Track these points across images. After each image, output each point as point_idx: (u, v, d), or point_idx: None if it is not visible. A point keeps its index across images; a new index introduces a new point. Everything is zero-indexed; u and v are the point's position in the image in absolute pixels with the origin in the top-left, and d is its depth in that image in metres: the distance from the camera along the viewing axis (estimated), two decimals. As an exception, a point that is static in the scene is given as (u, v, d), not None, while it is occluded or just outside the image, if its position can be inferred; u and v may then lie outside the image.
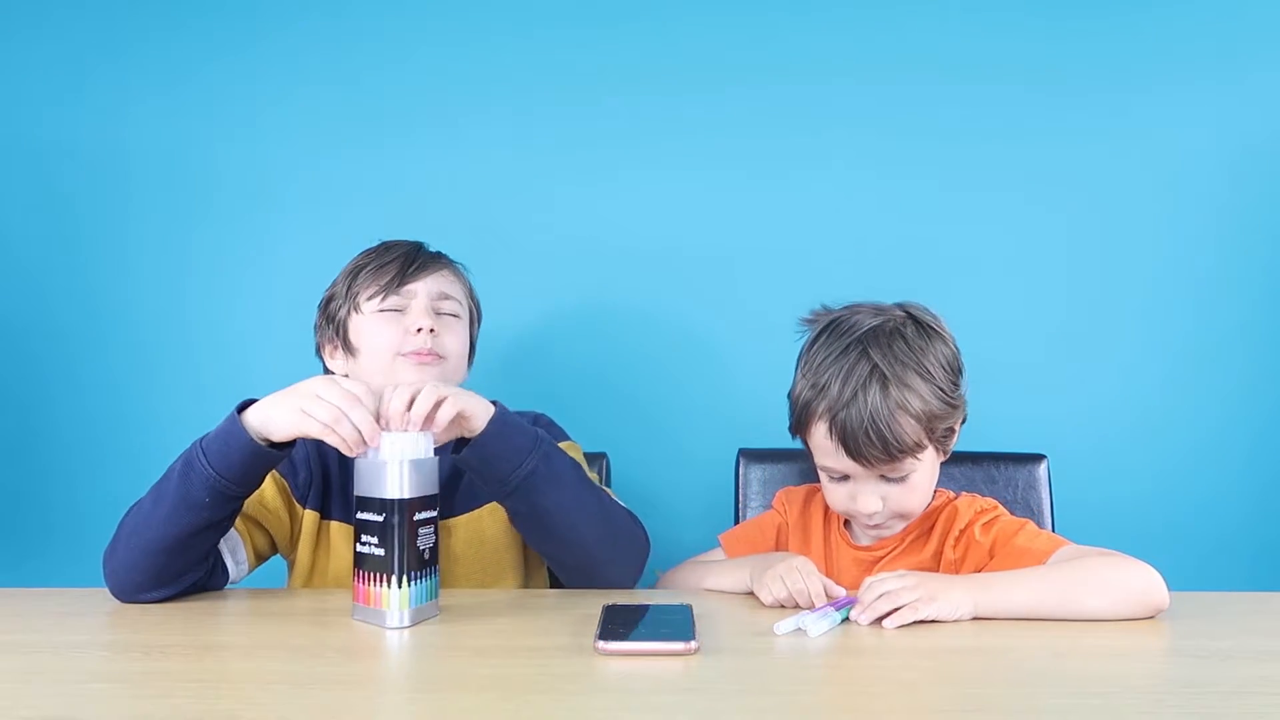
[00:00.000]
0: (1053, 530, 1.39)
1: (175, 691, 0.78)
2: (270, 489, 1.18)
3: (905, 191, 1.70)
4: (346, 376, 1.21)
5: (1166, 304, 1.68)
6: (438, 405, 1.02)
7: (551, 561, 1.18)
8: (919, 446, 1.13)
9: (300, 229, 1.72)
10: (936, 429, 1.14)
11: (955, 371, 1.18)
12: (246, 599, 1.12)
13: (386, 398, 1.01)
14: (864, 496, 1.16)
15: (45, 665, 0.85)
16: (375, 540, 0.98)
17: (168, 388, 1.72)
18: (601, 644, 0.87)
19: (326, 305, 1.29)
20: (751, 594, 1.10)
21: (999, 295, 1.68)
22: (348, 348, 1.26)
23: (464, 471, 1.15)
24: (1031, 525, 1.17)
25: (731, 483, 1.49)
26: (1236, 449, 1.68)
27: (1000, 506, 1.22)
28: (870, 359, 1.12)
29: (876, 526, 1.21)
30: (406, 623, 0.97)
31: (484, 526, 1.23)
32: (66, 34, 1.73)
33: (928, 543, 1.21)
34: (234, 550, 1.15)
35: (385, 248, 1.28)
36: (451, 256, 1.33)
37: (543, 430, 1.12)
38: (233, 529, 1.13)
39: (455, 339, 1.25)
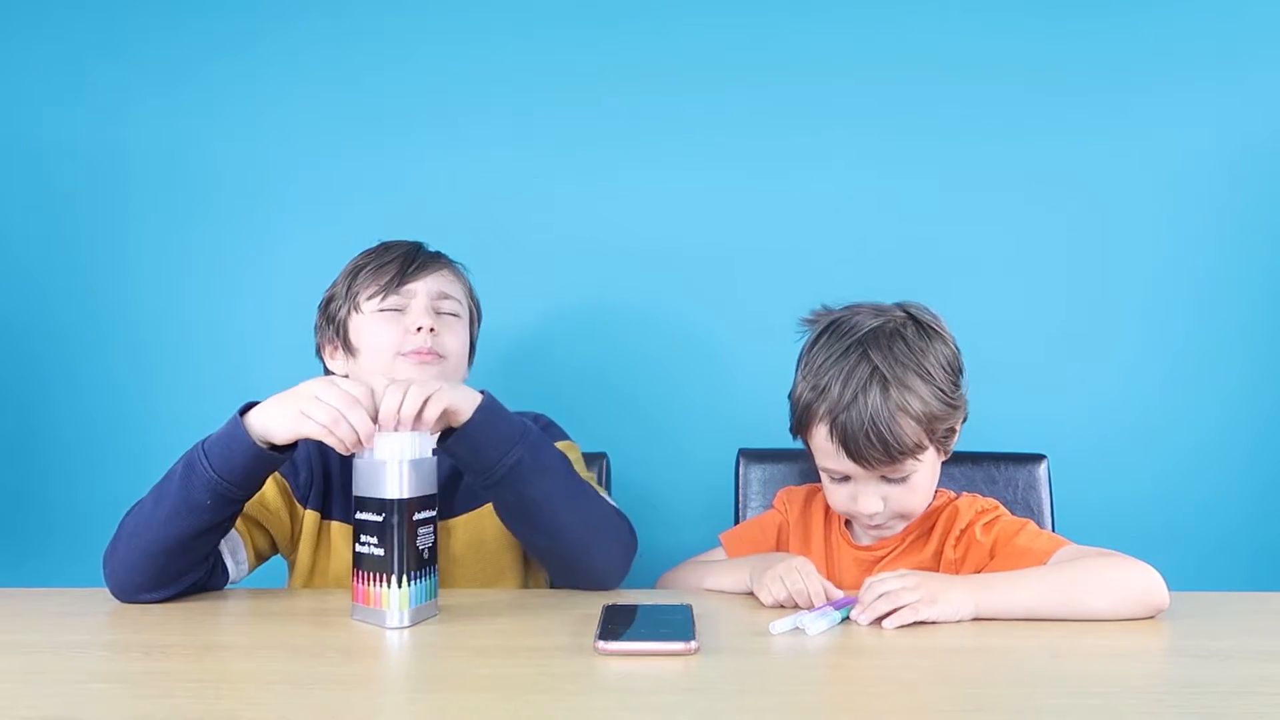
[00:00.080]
0: (1053, 530, 1.39)
1: (175, 691, 0.78)
2: (271, 489, 1.18)
3: (905, 191, 1.70)
4: (346, 377, 1.21)
5: (1166, 304, 1.68)
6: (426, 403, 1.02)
7: (535, 553, 1.18)
8: (920, 447, 1.13)
9: (300, 229, 1.72)
10: (937, 430, 1.14)
11: (956, 372, 1.18)
12: (246, 599, 1.12)
13: (379, 398, 1.01)
14: (865, 497, 1.16)
15: (45, 665, 0.85)
16: (375, 540, 0.98)
17: (168, 388, 1.72)
18: (601, 644, 0.87)
19: (326, 306, 1.30)
20: (751, 594, 1.10)
21: (999, 295, 1.68)
22: (348, 348, 1.26)
23: (463, 471, 1.15)
24: (1032, 525, 1.17)
25: (731, 483, 1.49)
26: (1236, 449, 1.68)
27: (1001, 507, 1.22)
28: (871, 360, 1.12)
29: (877, 527, 1.21)
30: (406, 623, 0.97)
31: (484, 527, 1.23)
32: (66, 34, 1.73)
33: (928, 543, 1.21)
34: (234, 550, 1.15)
35: (385, 248, 1.28)
36: (451, 256, 1.33)
37: (532, 423, 1.12)
38: (233, 529, 1.13)
39: (455, 338, 1.25)
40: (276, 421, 1.01)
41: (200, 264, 1.72)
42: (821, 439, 1.15)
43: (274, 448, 1.03)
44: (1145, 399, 1.68)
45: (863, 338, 1.14)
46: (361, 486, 1.00)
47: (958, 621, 0.97)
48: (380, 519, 0.97)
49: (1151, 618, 1.00)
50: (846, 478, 1.17)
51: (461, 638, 0.94)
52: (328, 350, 1.30)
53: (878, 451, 1.11)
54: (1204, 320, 1.68)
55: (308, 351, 1.33)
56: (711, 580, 1.19)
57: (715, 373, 1.70)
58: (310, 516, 1.23)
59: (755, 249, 1.70)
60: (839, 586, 1.10)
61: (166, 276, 1.73)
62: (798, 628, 0.94)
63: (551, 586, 1.22)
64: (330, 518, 1.24)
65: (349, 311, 1.25)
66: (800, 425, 1.19)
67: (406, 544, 0.97)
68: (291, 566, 1.26)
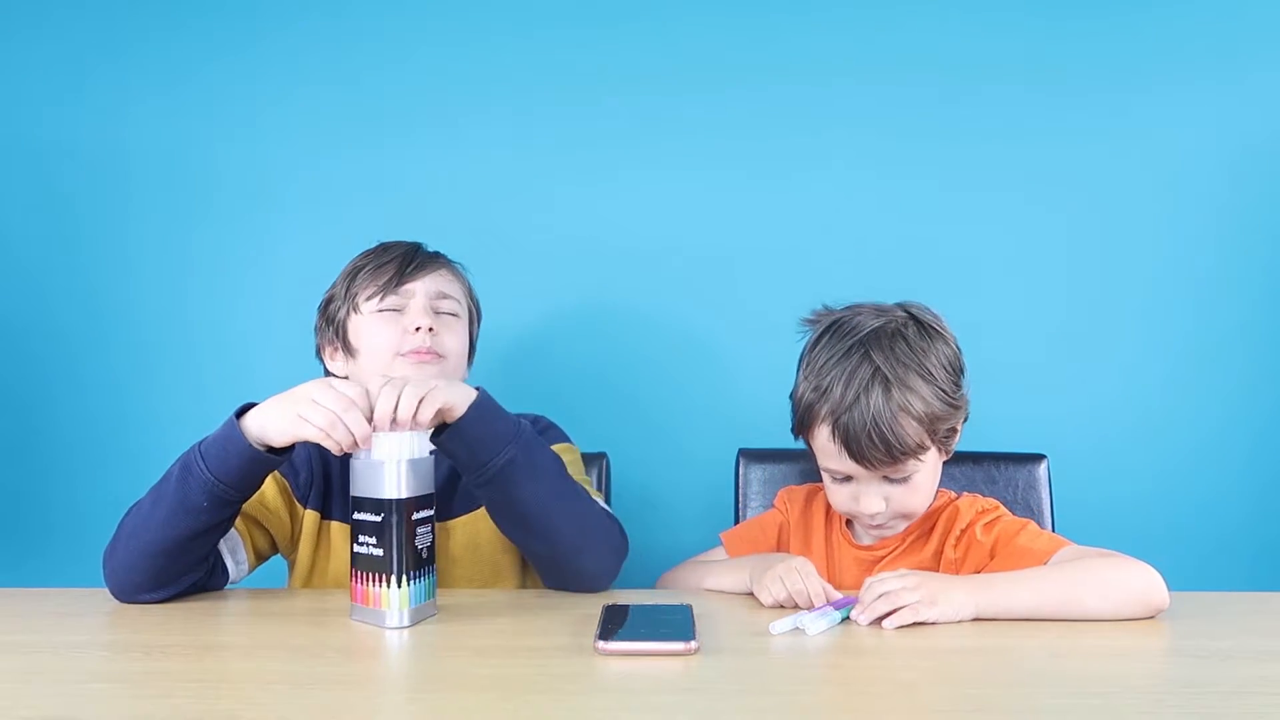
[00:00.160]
0: (1053, 530, 1.39)
1: (175, 691, 0.78)
2: (271, 489, 1.18)
3: (905, 191, 1.69)
4: (346, 378, 1.21)
5: (1166, 304, 1.68)
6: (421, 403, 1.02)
7: (526, 554, 1.17)
8: (921, 448, 1.13)
9: (300, 229, 1.72)
10: (939, 430, 1.14)
11: (957, 371, 1.18)
12: (246, 599, 1.12)
13: (374, 398, 1.01)
14: (867, 497, 1.16)
15: (45, 665, 0.85)
16: (374, 540, 0.98)
17: (168, 387, 1.72)
18: (601, 644, 0.87)
19: (326, 307, 1.30)
20: (751, 594, 1.10)
21: (999, 295, 1.68)
22: (347, 349, 1.26)
23: (456, 467, 1.14)
24: (1033, 526, 1.17)
25: (731, 483, 1.49)
26: (1236, 449, 1.68)
27: (1002, 507, 1.22)
28: (872, 361, 1.12)
29: (879, 526, 1.21)
30: (406, 622, 0.97)
31: (481, 529, 1.23)
32: (66, 34, 1.73)
33: (929, 542, 1.22)
34: (234, 550, 1.15)
35: (383, 248, 1.28)
36: (451, 256, 1.33)
37: (528, 424, 1.12)
38: (233, 529, 1.13)
39: (454, 338, 1.25)
40: (273, 424, 1.01)
41: (201, 264, 1.72)
42: (823, 439, 1.15)
43: (271, 450, 1.03)
44: (1145, 399, 1.68)
45: (864, 338, 1.14)
46: (359, 487, 1.00)
47: (958, 622, 0.97)
48: (379, 519, 0.97)
49: (1151, 618, 1.00)
50: (848, 478, 1.17)
51: (461, 638, 0.94)
52: (328, 351, 1.30)
53: (880, 452, 1.11)
54: (1204, 320, 1.68)
55: (308, 351, 1.33)
56: (711, 580, 1.19)
57: (715, 373, 1.70)
58: (310, 516, 1.23)
59: (755, 249, 1.70)
60: (839, 586, 1.10)
61: (167, 276, 1.73)
62: (798, 628, 0.94)
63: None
64: (330, 518, 1.24)
65: (348, 312, 1.25)
66: (802, 426, 1.19)
67: (405, 544, 0.97)
68: (291, 566, 1.26)
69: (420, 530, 0.99)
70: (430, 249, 1.31)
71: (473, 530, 1.24)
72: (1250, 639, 0.93)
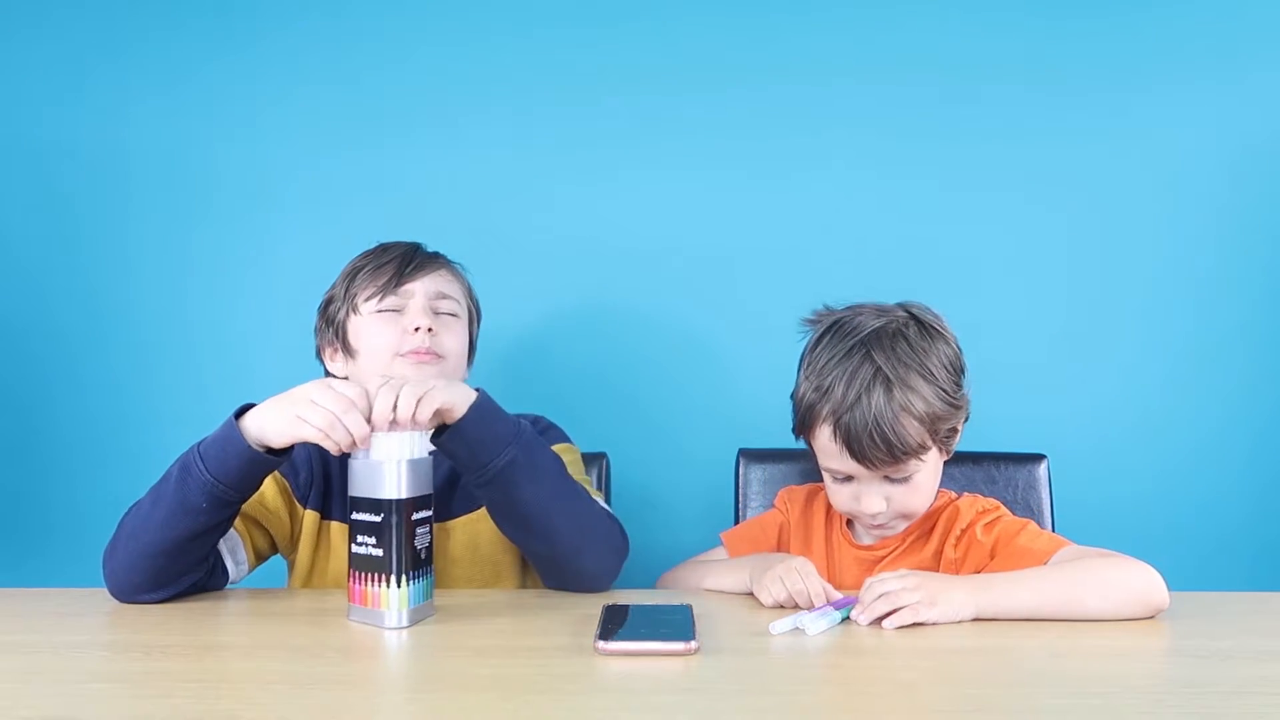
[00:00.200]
0: (1053, 530, 1.39)
1: (175, 691, 0.78)
2: (271, 489, 1.18)
3: (905, 191, 1.69)
4: (346, 379, 1.21)
5: (1166, 304, 1.68)
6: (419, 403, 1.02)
7: (526, 554, 1.17)
8: (923, 448, 1.13)
9: (300, 229, 1.72)
10: (940, 429, 1.15)
11: (958, 371, 1.18)
12: (246, 599, 1.12)
13: (373, 398, 1.01)
14: (868, 497, 1.16)
15: (45, 665, 0.85)
16: (373, 540, 0.98)
17: (169, 387, 1.72)
18: (601, 644, 0.87)
19: (325, 308, 1.30)
20: (752, 594, 1.10)
21: (999, 295, 1.68)
22: (347, 350, 1.26)
23: (457, 469, 1.14)
24: (1033, 526, 1.17)
25: (731, 483, 1.49)
26: (1236, 449, 1.68)
27: (1003, 507, 1.22)
28: (874, 361, 1.12)
29: (880, 526, 1.21)
30: (405, 623, 0.97)
31: (482, 529, 1.23)
32: (66, 34, 1.73)
33: (929, 542, 1.22)
34: (234, 550, 1.15)
35: (382, 249, 1.28)
36: (451, 257, 1.33)
37: (528, 424, 1.12)
38: (232, 529, 1.13)
39: (454, 338, 1.25)
40: (272, 425, 1.01)
41: (201, 264, 1.72)
42: (825, 439, 1.15)
43: (270, 451, 1.03)
44: (1145, 399, 1.68)
45: (866, 338, 1.14)
46: (358, 487, 1.00)
47: (958, 622, 0.97)
48: (378, 519, 0.97)
49: (1151, 618, 1.00)
50: (849, 478, 1.17)
51: (461, 638, 0.94)
52: (328, 353, 1.30)
53: (881, 452, 1.11)
54: (1204, 320, 1.68)
55: (308, 351, 1.33)
56: (711, 580, 1.19)
57: (715, 373, 1.70)
58: (310, 516, 1.23)
59: (755, 249, 1.70)
60: (840, 586, 1.10)
61: (167, 276, 1.73)
62: (798, 628, 0.94)
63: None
64: (330, 518, 1.24)
65: (347, 313, 1.25)
66: (803, 426, 1.19)
67: (405, 544, 0.97)
68: (291, 566, 1.26)
69: (419, 531, 0.99)
70: (430, 249, 1.31)
71: (473, 531, 1.24)
72: (1250, 639, 0.93)
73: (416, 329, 1.20)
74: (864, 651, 0.90)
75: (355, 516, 0.99)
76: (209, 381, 1.71)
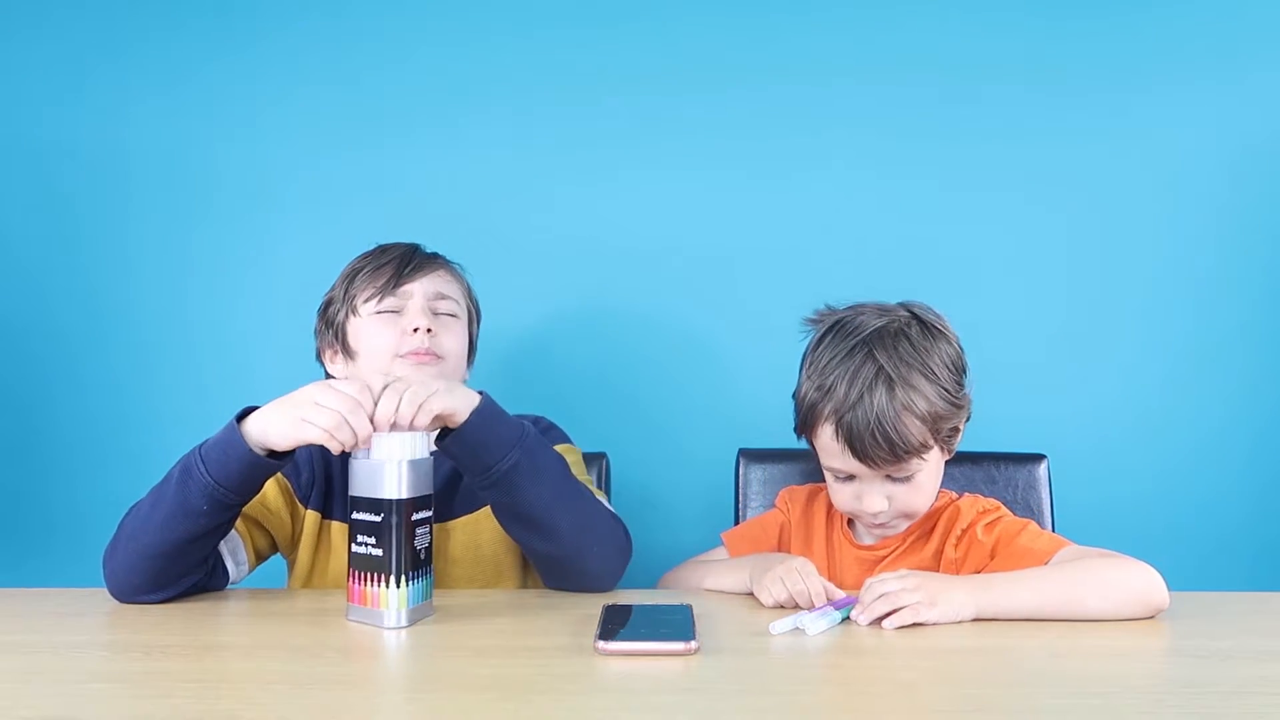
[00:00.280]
0: (1053, 530, 1.39)
1: (175, 691, 0.78)
2: (273, 489, 1.18)
3: (905, 191, 1.70)
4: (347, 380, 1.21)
5: (1166, 304, 1.68)
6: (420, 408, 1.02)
7: (531, 555, 1.17)
8: (925, 447, 1.13)
9: (300, 229, 1.72)
10: (942, 429, 1.15)
11: (960, 371, 1.18)
12: (246, 599, 1.12)
13: (376, 395, 1.01)
14: (870, 496, 1.16)
15: (45, 665, 0.85)
16: (373, 540, 0.97)
17: (169, 387, 1.72)
18: (601, 644, 0.87)
19: (325, 310, 1.30)
20: (752, 594, 1.10)
21: (999, 295, 1.68)
22: (347, 351, 1.26)
23: (462, 475, 1.14)
24: (1034, 526, 1.17)
25: (731, 483, 1.49)
26: (1236, 449, 1.68)
27: (1003, 507, 1.22)
28: (876, 360, 1.12)
29: (881, 526, 1.21)
30: (405, 623, 0.97)
31: (481, 530, 1.23)
32: (66, 34, 1.73)
33: (929, 542, 1.22)
34: (234, 551, 1.15)
35: (381, 250, 1.28)
36: (451, 257, 1.33)
37: (531, 426, 1.12)
38: (233, 530, 1.13)
39: (453, 338, 1.25)
40: (275, 427, 1.01)
41: (201, 264, 1.72)
42: (827, 438, 1.15)
43: (272, 454, 1.03)
44: (1145, 399, 1.68)
45: (868, 337, 1.15)
46: (358, 487, 0.99)
47: (958, 622, 0.97)
48: (379, 519, 0.97)
49: (1151, 618, 1.00)
50: (851, 477, 1.17)
51: (461, 638, 0.94)
52: (328, 354, 1.30)
53: (883, 451, 1.11)
54: (1204, 320, 1.68)
55: (309, 351, 1.33)
56: (712, 580, 1.19)
57: (715, 373, 1.70)
58: (311, 516, 1.23)
59: (755, 249, 1.70)
60: (840, 586, 1.10)
61: (167, 276, 1.73)
62: (798, 628, 0.94)
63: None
64: (331, 517, 1.24)
65: (346, 315, 1.25)
66: (805, 425, 1.19)
67: (405, 544, 0.97)
68: (291, 566, 1.26)
69: (419, 531, 0.99)
70: (429, 250, 1.31)
71: (473, 531, 1.24)
72: (1250, 639, 0.93)
73: (415, 330, 1.20)
74: (864, 651, 0.90)
75: (355, 516, 0.99)
76: (209, 381, 1.71)
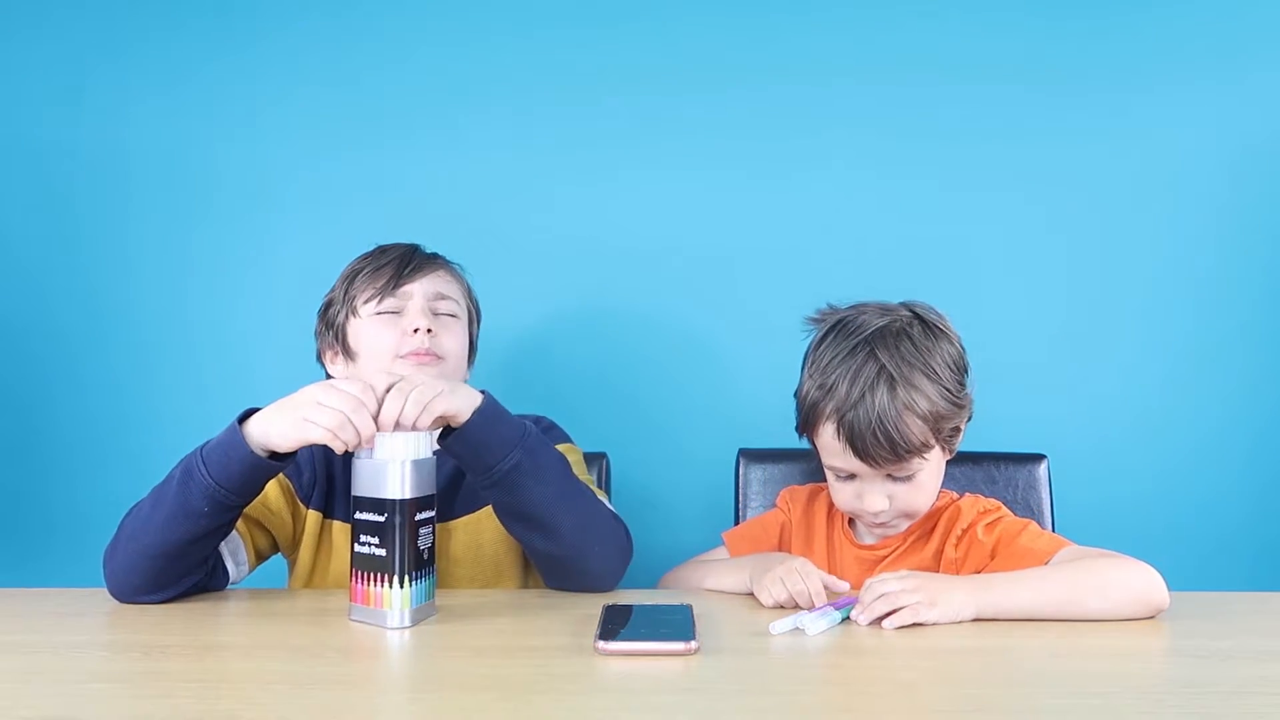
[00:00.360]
0: (1053, 530, 1.39)
1: (175, 691, 0.78)
2: (274, 489, 1.18)
3: (905, 191, 1.69)
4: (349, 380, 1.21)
5: (1166, 304, 1.68)
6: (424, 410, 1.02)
7: (532, 555, 1.17)
8: (926, 446, 1.13)
9: (300, 229, 1.72)
10: (943, 429, 1.15)
11: (961, 371, 1.19)
12: (246, 599, 1.12)
13: (379, 394, 1.01)
14: (870, 495, 1.16)
15: (45, 665, 0.85)
16: (376, 540, 0.98)
17: (169, 387, 1.72)
18: (601, 644, 0.87)
19: (325, 311, 1.30)
20: (752, 594, 1.10)
21: (999, 295, 1.68)
22: (347, 352, 1.26)
23: (464, 474, 1.14)
24: (1034, 526, 1.17)
25: (731, 483, 1.49)
26: (1236, 449, 1.68)
27: (1004, 508, 1.22)
28: (878, 359, 1.12)
29: (882, 525, 1.21)
30: (407, 623, 0.97)
31: (483, 530, 1.23)
32: (66, 34, 1.73)
33: (930, 542, 1.22)
34: (234, 552, 1.15)
35: (381, 251, 1.28)
36: (451, 257, 1.33)
37: (532, 425, 1.12)
38: (234, 530, 1.13)
39: (454, 339, 1.25)
40: (277, 429, 1.01)
41: (201, 264, 1.72)
42: (828, 437, 1.15)
43: (273, 455, 1.03)
44: (1145, 399, 1.68)
45: (870, 336, 1.15)
46: (361, 487, 1.00)
47: (958, 622, 0.97)
48: (381, 519, 0.97)
49: (1151, 618, 1.00)
50: (852, 476, 1.17)
51: (461, 638, 0.94)
52: (328, 356, 1.30)
53: (884, 450, 1.11)
54: (1204, 320, 1.68)
55: (309, 351, 1.33)
56: (712, 580, 1.19)
57: (715, 373, 1.70)
58: (313, 516, 1.23)
59: (755, 249, 1.70)
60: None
61: (167, 276, 1.73)
62: (798, 628, 0.94)
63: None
64: (333, 517, 1.24)
65: (346, 316, 1.25)
66: (807, 423, 1.19)
67: (408, 544, 0.97)
68: (292, 566, 1.26)
69: (422, 531, 0.99)
70: (429, 250, 1.31)
71: (475, 530, 1.24)
72: (1250, 639, 0.94)
73: (415, 330, 1.20)
74: (864, 651, 0.90)
75: (358, 516, 0.99)
76: (209, 381, 1.71)
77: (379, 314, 1.23)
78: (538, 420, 1.30)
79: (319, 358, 1.31)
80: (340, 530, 1.23)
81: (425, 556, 0.99)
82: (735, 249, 1.70)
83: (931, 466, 1.16)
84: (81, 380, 1.73)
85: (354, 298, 1.25)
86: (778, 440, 1.38)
